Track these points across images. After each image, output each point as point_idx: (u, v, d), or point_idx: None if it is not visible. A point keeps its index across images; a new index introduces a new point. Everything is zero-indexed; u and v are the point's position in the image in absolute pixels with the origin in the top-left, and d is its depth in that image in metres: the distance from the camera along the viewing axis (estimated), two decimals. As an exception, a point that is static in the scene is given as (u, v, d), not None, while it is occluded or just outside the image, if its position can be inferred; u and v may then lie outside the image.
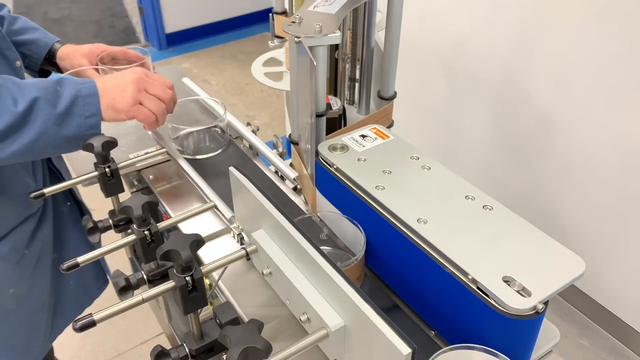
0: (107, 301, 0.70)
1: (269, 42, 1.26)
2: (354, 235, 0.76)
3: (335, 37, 0.73)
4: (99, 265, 1.22)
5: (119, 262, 1.22)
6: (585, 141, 1.12)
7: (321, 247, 0.71)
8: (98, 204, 1.14)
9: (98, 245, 1.01)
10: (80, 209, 1.17)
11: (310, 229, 0.80)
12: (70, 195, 1.13)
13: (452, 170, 0.74)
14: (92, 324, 0.56)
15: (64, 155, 1.10)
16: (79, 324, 0.56)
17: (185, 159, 0.97)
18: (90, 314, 0.57)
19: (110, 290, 0.85)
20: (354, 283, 0.54)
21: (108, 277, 1.24)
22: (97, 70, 1.11)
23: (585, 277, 0.60)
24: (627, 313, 0.83)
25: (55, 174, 1.10)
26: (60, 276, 1.10)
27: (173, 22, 3.93)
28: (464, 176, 0.73)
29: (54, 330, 1.13)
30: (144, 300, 0.59)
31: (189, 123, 1.08)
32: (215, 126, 1.08)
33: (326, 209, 0.80)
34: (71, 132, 0.82)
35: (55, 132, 0.81)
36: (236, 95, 3.38)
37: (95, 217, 0.87)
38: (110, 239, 0.79)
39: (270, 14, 1.21)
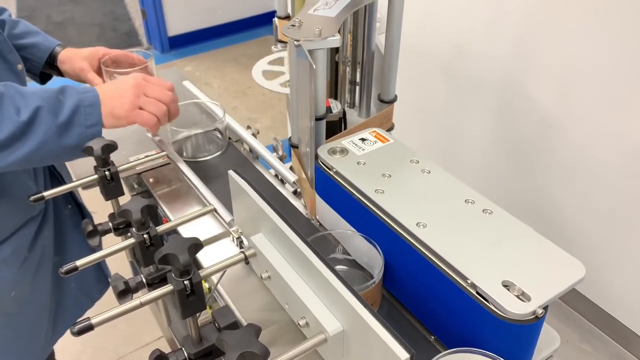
0: (107, 304, 0.70)
1: (272, 47, 1.26)
2: (369, 255, 0.72)
3: (335, 41, 0.73)
4: (100, 268, 1.22)
5: (120, 265, 1.22)
6: (586, 143, 1.12)
7: (336, 267, 0.70)
8: (99, 207, 1.14)
9: (98, 248, 1.01)
10: (82, 211, 1.17)
11: (325, 247, 0.76)
12: (71, 197, 1.14)
13: (453, 172, 0.74)
14: (90, 328, 0.56)
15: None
16: (77, 327, 0.55)
17: (185, 161, 0.97)
18: (88, 317, 0.56)
19: (110, 293, 0.85)
20: (352, 288, 0.54)
21: (109, 280, 1.24)
22: (99, 73, 1.12)
23: (587, 281, 0.60)
24: (629, 317, 0.82)
25: (56, 176, 1.10)
26: (61, 279, 1.10)
27: (175, 25, 3.94)
28: (464, 179, 0.73)
29: (55, 332, 1.13)
30: (142, 304, 0.59)
31: (188, 126, 1.08)
32: (215, 129, 1.08)
33: (340, 226, 0.78)
34: (72, 141, 0.83)
35: (56, 142, 0.82)
36: (238, 98, 3.38)
37: (96, 220, 0.87)
38: (111, 242, 0.79)
39: (274, 19, 1.21)
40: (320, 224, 0.85)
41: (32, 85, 1.05)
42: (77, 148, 0.84)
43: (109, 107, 0.87)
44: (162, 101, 0.91)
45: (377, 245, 0.69)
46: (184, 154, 1.04)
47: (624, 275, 1.10)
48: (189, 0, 3.91)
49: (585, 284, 0.60)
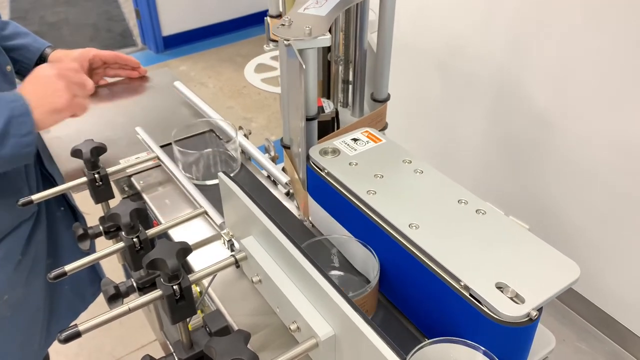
0: (101, 306, 0.69)
1: (265, 46, 1.24)
2: (365, 260, 0.72)
3: (325, 40, 0.72)
4: (93, 270, 1.22)
5: (114, 267, 1.21)
6: (583, 142, 1.11)
7: (331, 272, 0.69)
8: (92, 208, 1.13)
9: (91, 251, 1.00)
10: (74, 213, 1.16)
11: (320, 252, 0.75)
12: (64, 199, 1.13)
13: (447, 172, 0.73)
14: (77, 335, 0.55)
15: (55, 160, 1.09)
16: (64, 335, 0.55)
17: (195, 185, 0.90)
18: (75, 324, 0.56)
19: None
20: (343, 292, 0.53)
21: (104, 282, 1.24)
22: (90, 74, 1.11)
23: (584, 280, 0.59)
24: (626, 316, 0.81)
25: (48, 179, 1.10)
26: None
27: (170, 25, 3.92)
28: (459, 179, 0.72)
29: (49, 335, 1.13)
30: (130, 310, 0.58)
31: (200, 148, 0.99)
32: (226, 149, 1.00)
33: (332, 229, 0.77)
34: (7, 152, 0.82)
35: None
36: (233, 98, 3.37)
37: (89, 222, 0.86)
38: (104, 244, 0.78)
39: (266, 18, 1.19)
40: (313, 226, 0.85)
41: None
42: (13, 158, 0.83)
43: (47, 105, 0.85)
44: (82, 82, 0.91)
45: (372, 251, 0.68)
46: (195, 176, 0.95)
47: (620, 273, 1.10)
48: (183, 0, 3.89)
49: (581, 283, 0.60)
